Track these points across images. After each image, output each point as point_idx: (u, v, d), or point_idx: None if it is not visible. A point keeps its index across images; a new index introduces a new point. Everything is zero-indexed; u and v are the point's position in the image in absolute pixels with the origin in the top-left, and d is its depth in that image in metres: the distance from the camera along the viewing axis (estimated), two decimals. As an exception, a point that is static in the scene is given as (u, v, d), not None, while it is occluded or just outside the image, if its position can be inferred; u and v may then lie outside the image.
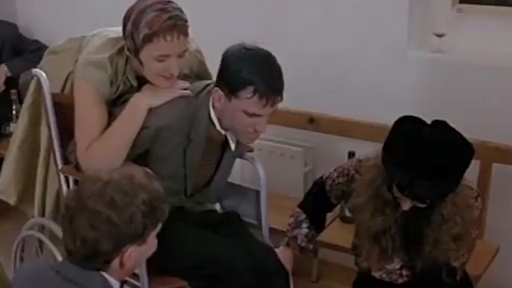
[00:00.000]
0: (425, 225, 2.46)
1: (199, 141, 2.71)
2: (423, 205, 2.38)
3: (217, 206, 3.05)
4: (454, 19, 3.47)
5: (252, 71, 2.54)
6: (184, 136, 2.68)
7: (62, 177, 2.94)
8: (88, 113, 2.70)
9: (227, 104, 2.60)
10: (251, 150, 3.07)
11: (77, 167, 2.78)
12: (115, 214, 1.91)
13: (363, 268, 2.73)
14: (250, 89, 2.53)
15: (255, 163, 3.05)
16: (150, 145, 2.68)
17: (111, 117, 2.72)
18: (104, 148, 2.66)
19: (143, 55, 2.61)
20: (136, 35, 2.57)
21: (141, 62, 2.64)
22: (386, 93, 3.55)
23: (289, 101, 3.47)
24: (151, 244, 2.04)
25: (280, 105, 3.51)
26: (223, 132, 2.73)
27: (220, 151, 2.85)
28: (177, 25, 2.57)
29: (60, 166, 2.92)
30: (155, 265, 2.63)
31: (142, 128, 2.65)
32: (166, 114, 2.65)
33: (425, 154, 2.31)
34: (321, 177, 2.85)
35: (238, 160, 3.08)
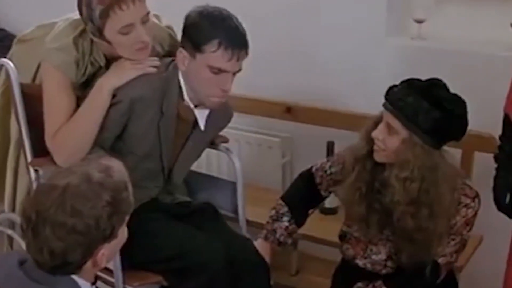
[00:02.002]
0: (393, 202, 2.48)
1: (171, 114, 2.70)
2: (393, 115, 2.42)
3: (188, 198, 3.02)
4: (434, 5, 3.47)
5: (216, 26, 2.57)
6: (157, 109, 2.68)
7: (32, 170, 2.91)
8: (54, 98, 2.69)
9: (191, 63, 2.62)
10: (226, 141, 3.06)
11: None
12: (80, 222, 1.85)
13: (349, 255, 2.73)
14: (215, 42, 2.55)
15: (230, 154, 3.05)
16: (125, 121, 2.67)
17: (81, 100, 2.70)
18: (71, 133, 2.66)
19: (107, 33, 2.59)
20: (93, 15, 2.56)
21: (109, 42, 2.62)
22: (364, 81, 3.55)
23: (265, 90, 3.47)
24: (121, 236, 2.01)
25: (257, 94, 3.51)
26: (191, 105, 2.72)
27: (188, 132, 2.83)
28: None
29: (30, 159, 2.89)
30: (128, 258, 2.63)
31: (116, 104, 2.64)
32: (138, 86, 2.65)
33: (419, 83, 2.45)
34: (310, 169, 2.84)
35: (214, 153, 3.07)
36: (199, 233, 2.74)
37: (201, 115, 2.77)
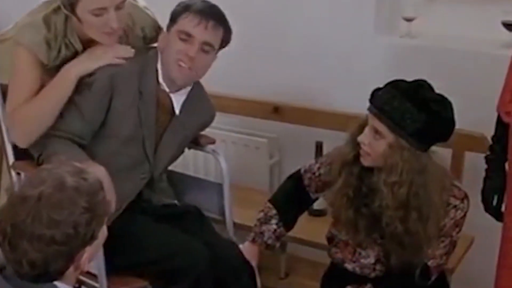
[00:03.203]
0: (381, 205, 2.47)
1: (149, 97, 2.75)
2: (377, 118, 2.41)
3: (175, 201, 3.01)
4: (423, 3, 3.46)
5: (194, 1, 2.73)
6: (135, 88, 2.73)
7: (13, 173, 2.89)
8: (18, 74, 2.70)
9: (167, 38, 2.74)
10: (212, 142, 3.06)
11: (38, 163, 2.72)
12: (58, 233, 1.81)
13: (337, 259, 2.73)
14: (188, 10, 2.71)
15: (217, 156, 3.04)
16: (108, 101, 2.69)
17: None
18: (30, 111, 2.66)
19: (79, 10, 2.59)
20: None
21: (79, 19, 2.61)
22: (353, 80, 3.54)
23: (252, 90, 3.45)
24: (102, 236, 1.97)
25: (243, 94, 3.51)
26: (167, 89, 2.78)
27: (167, 122, 2.85)
28: None
29: (11, 161, 2.87)
30: (113, 262, 2.62)
31: (93, 83, 2.66)
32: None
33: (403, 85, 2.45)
34: (298, 171, 2.83)
35: (201, 154, 3.06)
36: (184, 236, 2.74)
37: (177, 99, 2.82)
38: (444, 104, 2.44)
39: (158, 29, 2.88)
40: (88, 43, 2.71)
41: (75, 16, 2.61)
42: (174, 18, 2.74)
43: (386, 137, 2.42)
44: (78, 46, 2.72)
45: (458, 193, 2.55)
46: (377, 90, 2.47)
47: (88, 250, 1.91)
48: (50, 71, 2.71)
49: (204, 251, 2.69)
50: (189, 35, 2.68)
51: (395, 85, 2.45)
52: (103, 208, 1.92)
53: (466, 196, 2.56)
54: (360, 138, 2.48)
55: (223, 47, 2.78)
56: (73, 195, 1.84)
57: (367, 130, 2.46)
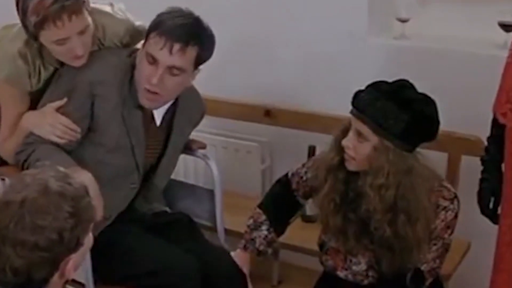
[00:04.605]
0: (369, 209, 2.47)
1: (132, 104, 2.72)
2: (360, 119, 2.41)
3: (166, 208, 3.00)
4: (418, 4, 3.46)
5: (165, 18, 2.63)
6: (117, 95, 2.70)
7: (-1, 179, 2.88)
8: (4, 109, 2.78)
9: (140, 55, 2.68)
10: (203, 147, 3.05)
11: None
12: (42, 239, 1.79)
13: (329, 267, 2.72)
14: (156, 30, 2.62)
15: (208, 161, 3.03)
16: (89, 104, 2.69)
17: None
18: (12, 142, 2.74)
19: (43, 40, 2.60)
20: (27, 22, 2.55)
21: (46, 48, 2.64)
22: (346, 82, 3.51)
23: (243, 92, 3.43)
24: (87, 243, 1.95)
25: (234, 97, 3.49)
26: None
27: (161, 131, 2.84)
28: (65, 6, 2.51)
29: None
30: (101, 273, 2.62)
31: (74, 90, 2.69)
32: (96, 69, 2.70)
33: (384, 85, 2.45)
34: (286, 175, 2.83)
35: (191, 159, 3.04)
36: (174, 249, 2.73)
37: (158, 111, 2.79)
38: (427, 102, 2.44)
39: (135, 32, 2.85)
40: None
41: (42, 45, 2.64)
42: (147, 34, 2.66)
43: (371, 139, 2.41)
44: (56, 64, 2.76)
45: (448, 194, 2.54)
46: (359, 92, 2.47)
47: (73, 258, 1.89)
48: (34, 92, 2.77)
49: (195, 264, 2.68)
50: (154, 59, 2.60)
51: (377, 86, 2.45)
52: (88, 213, 1.90)
53: (455, 197, 2.55)
54: (344, 142, 2.47)
55: (200, 64, 2.70)
56: (58, 200, 1.82)
57: (351, 133, 2.46)
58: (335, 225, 2.57)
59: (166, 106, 2.79)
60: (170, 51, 2.58)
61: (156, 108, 2.76)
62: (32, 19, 2.52)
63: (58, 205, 1.82)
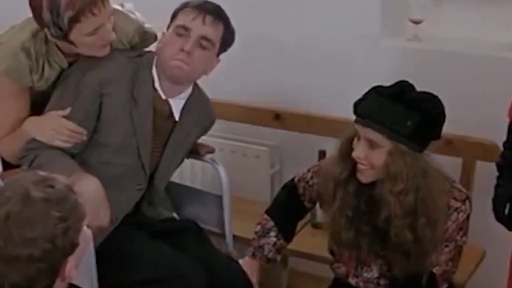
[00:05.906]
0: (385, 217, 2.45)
1: (144, 104, 2.73)
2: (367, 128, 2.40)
3: (174, 214, 2.99)
4: (431, 5, 3.45)
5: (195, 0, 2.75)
6: (128, 94, 2.72)
7: (1, 183, 2.86)
8: (3, 104, 2.76)
9: (165, 37, 2.75)
10: (211, 151, 3.04)
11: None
12: (35, 250, 1.76)
13: (340, 273, 2.70)
14: (186, 7, 2.73)
15: (216, 166, 3.02)
16: (97, 105, 2.70)
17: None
18: (13, 144, 2.73)
19: (73, 36, 2.59)
20: (60, 21, 2.54)
21: (72, 43, 2.63)
22: (357, 85, 3.48)
23: (252, 96, 3.42)
24: (84, 241, 1.89)
25: (242, 100, 3.49)
26: (163, 96, 2.76)
27: (169, 131, 2.84)
28: None
29: (-1, 171, 2.88)
30: (106, 279, 2.60)
31: (82, 92, 2.69)
32: (105, 68, 2.72)
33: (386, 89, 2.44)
34: (293, 179, 2.82)
35: (199, 163, 3.03)
36: (181, 257, 2.72)
37: (176, 104, 2.80)
38: (432, 100, 2.43)
39: (144, 34, 2.86)
40: (74, 56, 2.74)
41: (68, 42, 2.62)
42: (173, 16, 2.75)
43: (384, 145, 2.39)
44: (64, 64, 2.75)
45: (459, 195, 2.53)
46: (361, 100, 2.46)
47: (71, 259, 1.86)
48: (37, 90, 2.76)
49: (202, 273, 2.67)
50: (186, 28, 2.67)
51: (379, 91, 2.44)
52: (77, 213, 1.85)
53: (467, 197, 2.54)
54: (355, 154, 2.45)
55: (224, 48, 2.77)
56: (43, 207, 1.78)
57: (360, 144, 2.44)
58: (347, 239, 2.56)
59: (180, 106, 2.80)
60: (203, 21, 2.68)
61: (184, 82, 2.78)
62: (67, 15, 2.52)
63: (45, 212, 1.77)
